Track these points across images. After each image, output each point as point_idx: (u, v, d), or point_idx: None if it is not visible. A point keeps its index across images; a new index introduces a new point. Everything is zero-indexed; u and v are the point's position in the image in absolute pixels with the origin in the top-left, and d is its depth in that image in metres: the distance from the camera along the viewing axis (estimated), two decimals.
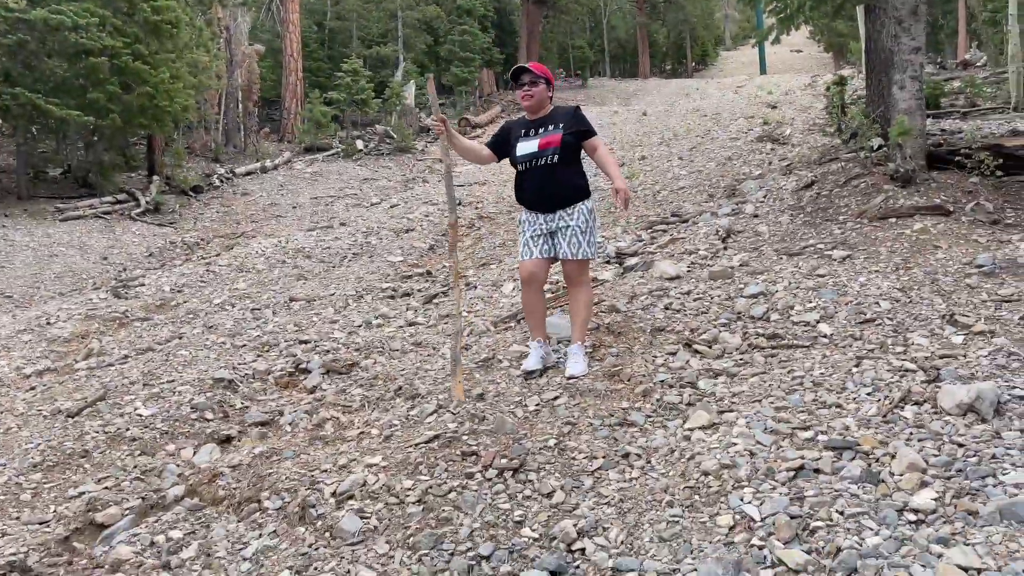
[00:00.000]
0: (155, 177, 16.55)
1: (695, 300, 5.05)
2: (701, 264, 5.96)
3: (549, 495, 2.97)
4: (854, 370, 3.59)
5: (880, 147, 7.51)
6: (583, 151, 4.25)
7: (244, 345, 5.85)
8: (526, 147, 4.15)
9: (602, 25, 45.69)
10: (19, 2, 11.38)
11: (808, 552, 2.33)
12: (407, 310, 6.41)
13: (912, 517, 2.40)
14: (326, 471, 3.38)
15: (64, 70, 14.05)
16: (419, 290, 7.22)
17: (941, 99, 11.52)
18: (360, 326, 6.02)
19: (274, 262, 9.91)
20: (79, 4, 13.79)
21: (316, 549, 2.86)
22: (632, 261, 6.48)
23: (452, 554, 2.68)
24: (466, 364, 4.61)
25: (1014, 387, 3.19)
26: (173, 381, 5.06)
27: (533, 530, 2.77)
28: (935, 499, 2.47)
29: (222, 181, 18.16)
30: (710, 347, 4.24)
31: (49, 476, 3.97)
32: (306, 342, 5.69)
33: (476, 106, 30.75)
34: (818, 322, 4.29)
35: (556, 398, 3.81)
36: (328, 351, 5.46)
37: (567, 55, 42.80)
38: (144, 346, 6.24)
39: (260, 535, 3.00)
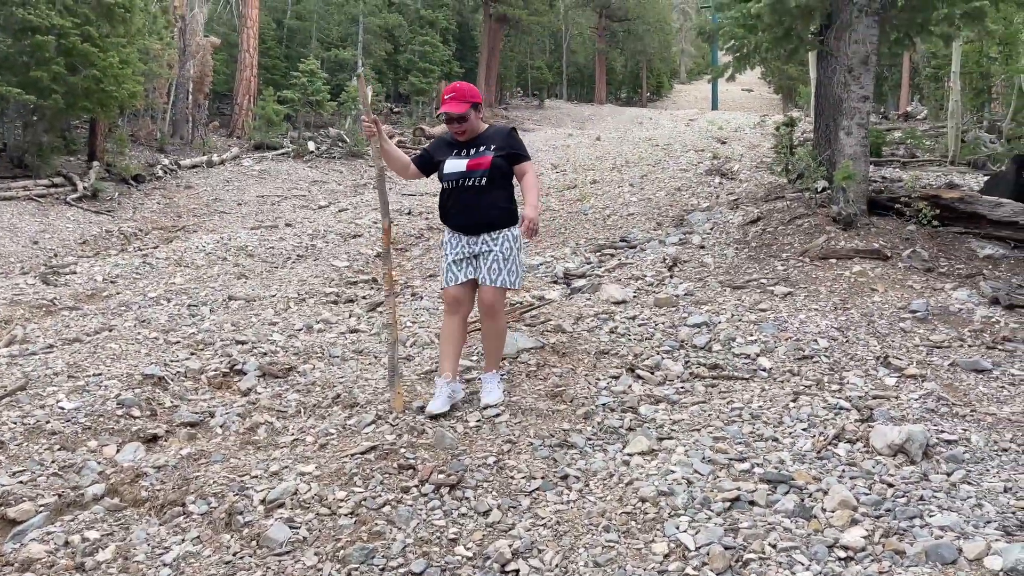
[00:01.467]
0: (95, 163, 16.01)
1: (640, 326, 5.09)
2: (647, 290, 6.02)
3: (486, 514, 2.93)
4: (791, 405, 3.66)
5: (824, 189, 7.73)
6: (514, 175, 4.03)
7: (178, 342, 5.67)
8: (454, 166, 3.93)
9: (562, 48, 46.23)
10: None
11: None
12: (350, 316, 6.31)
13: (842, 554, 2.45)
14: (256, 477, 3.28)
15: (7, 46, 13.54)
16: (363, 297, 7.12)
17: (883, 148, 11.95)
18: (300, 330, 5.90)
19: (215, 259, 9.67)
20: None
21: (241, 558, 2.76)
22: (580, 283, 6.52)
23: (383, 569, 2.61)
24: (408, 375, 4.54)
25: (942, 431, 3.29)
26: (100, 375, 4.86)
27: (467, 548, 2.73)
28: (864, 537, 2.52)
29: (166, 172, 17.67)
30: (652, 373, 4.27)
31: None
32: (243, 343, 5.54)
33: (432, 117, 30.70)
34: (758, 355, 4.37)
35: (498, 416, 3.78)
36: (265, 353, 5.33)
37: (525, 74, 43.16)
38: (71, 336, 6.00)
39: (183, 540, 2.89)
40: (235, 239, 10.86)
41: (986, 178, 9.16)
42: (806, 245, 6.62)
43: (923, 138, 12.88)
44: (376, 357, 5.15)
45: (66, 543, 3.01)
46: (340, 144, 22.70)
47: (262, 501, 3.06)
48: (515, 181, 4.06)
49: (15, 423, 4.16)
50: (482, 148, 3.95)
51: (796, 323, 4.81)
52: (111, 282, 8.40)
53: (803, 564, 2.39)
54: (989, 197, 6.82)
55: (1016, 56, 12.23)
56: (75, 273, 8.72)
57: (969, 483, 2.87)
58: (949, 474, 2.93)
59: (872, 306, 5.11)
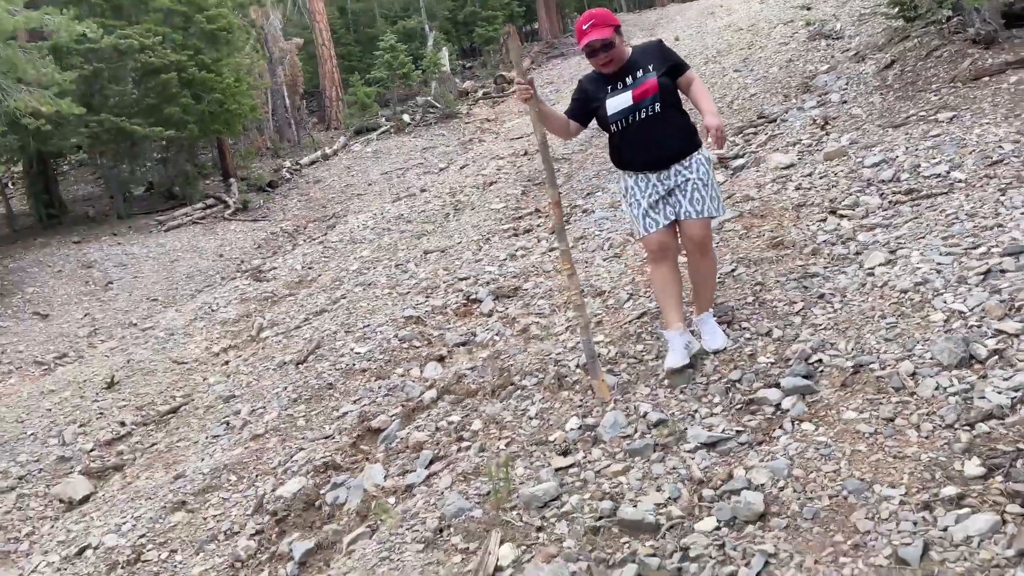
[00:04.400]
0: (231, 180, 17.41)
1: (820, 178, 5.51)
2: (810, 151, 6.39)
3: (768, 333, 3.53)
4: (1001, 198, 4.05)
5: (950, 18, 7.76)
6: (679, 88, 3.57)
7: (407, 292, 6.52)
8: (618, 103, 3.46)
9: None
10: (96, 31, 12.10)
11: (1020, 321, 2.85)
12: (539, 241, 6.99)
13: None
14: (560, 352, 4.00)
15: (136, 91, 14.87)
16: (538, 225, 7.79)
17: None
18: (505, 259, 6.63)
19: (380, 231, 10.57)
20: (140, 26, 14.53)
21: (584, 404, 3.48)
22: (738, 162, 6.94)
23: (708, 382, 3.27)
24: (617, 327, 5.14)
25: None
26: (368, 326, 5.75)
27: (767, 357, 3.34)
28: None
29: (291, 174, 18.95)
30: (854, 210, 4.72)
31: (310, 406, 4.68)
32: (465, 279, 6.32)
33: (505, 63, 30.94)
34: (949, 172, 4.73)
35: (734, 269, 4.35)
36: (488, 282, 6.08)
37: None
38: (316, 310, 6.96)
39: (533, 402, 3.64)
40: (387, 212, 11.76)
41: None
42: (953, 72, 6.77)
43: None
44: (586, 263, 5.79)
45: (437, 429, 3.83)
46: (431, 109, 23.42)
47: (578, 366, 3.76)
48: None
49: (330, 370, 5.07)
50: (639, 73, 3.45)
51: (973, 138, 5.11)
52: (309, 268, 9.43)
53: None
54: None
55: None
56: (275, 268, 9.82)
57: None
58: None
59: None
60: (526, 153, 12.99)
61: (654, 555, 2.34)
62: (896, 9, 9.45)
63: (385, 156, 19.44)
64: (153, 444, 5.08)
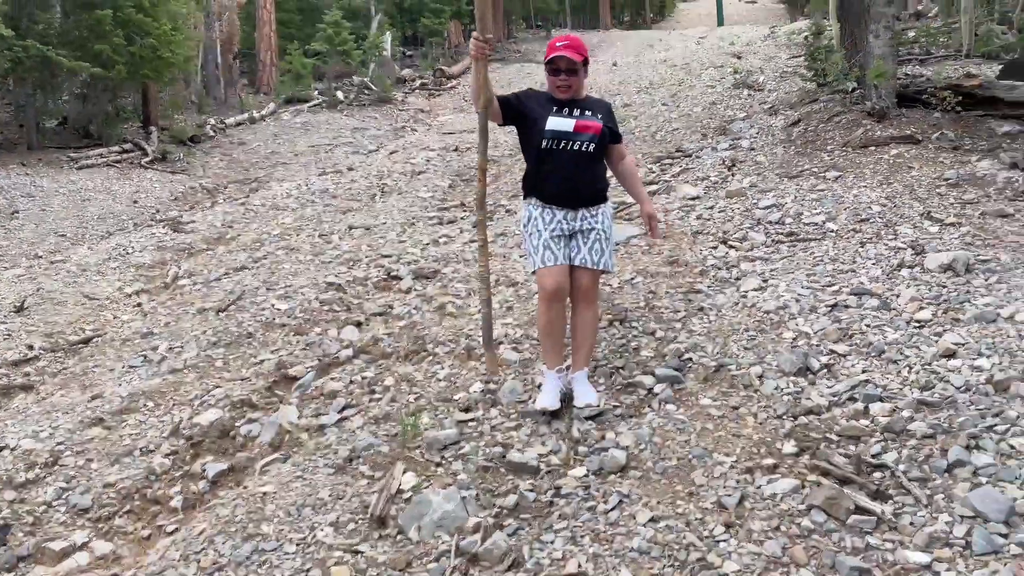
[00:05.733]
0: (152, 128, 17.06)
1: (719, 212, 6.18)
2: (715, 187, 7.09)
3: (652, 333, 4.09)
4: (859, 250, 4.77)
5: (854, 89, 8.69)
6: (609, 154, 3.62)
7: (330, 262, 6.83)
8: (559, 123, 3.40)
9: None
10: None
11: (849, 346, 3.50)
12: (462, 232, 7.44)
13: (917, 324, 3.59)
14: (473, 329, 4.46)
15: (66, 23, 14.46)
16: (461, 217, 8.24)
17: (899, 47, 12.75)
18: (428, 244, 7.04)
19: (304, 201, 10.76)
20: None
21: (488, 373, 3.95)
22: (653, 188, 7.59)
23: (596, 366, 3.80)
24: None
25: (979, 255, 4.39)
26: (290, 286, 6.05)
27: (648, 353, 3.89)
28: (931, 314, 3.66)
29: (215, 132, 18.66)
30: (742, 243, 5.38)
31: (229, 351, 4.97)
32: (388, 256, 6.69)
33: (447, 57, 31.24)
34: (825, 222, 5.46)
35: (633, 278, 4.92)
36: (410, 262, 6.47)
37: (529, 6, 43.21)
38: (237, 266, 7.18)
39: (443, 367, 4.08)
40: (312, 184, 11.94)
41: (1000, 67, 10.06)
42: (846, 138, 7.63)
43: (937, 35, 13.63)
44: (504, 257, 6.27)
45: (351, 381, 4.22)
46: (366, 91, 23.49)
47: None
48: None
49: (251, 320, 5.36)
50: (588, 113, 3.46)
51: (851, 197, 5.88)
52: (228, 227, 9.55)
53: (890, 331, 3.54)
54: (1005, 82, 7.77)
55: None
56: (193, 222, 9.88)
57: (1001, 282, 3.98)
58: (987, 278, 4.05)
59: (911, 179, 6.16)
60: (456, 149, 13.38)
61: (532, 490, 2.83)
62: (811, 73, 10.41)
63: (315, 129, 19.44)
64: (64, 368, 5.23)
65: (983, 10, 15.89)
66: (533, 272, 3.54)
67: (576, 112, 3.45)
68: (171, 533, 3.23)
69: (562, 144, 3.40)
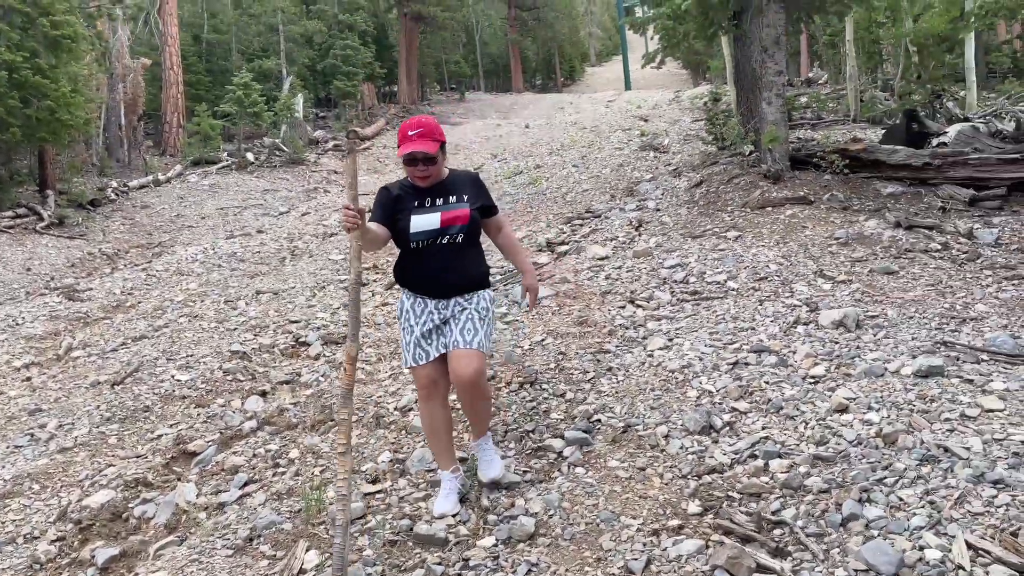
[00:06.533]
0: (48, 192, 16.39)
1: (627, 272, 6.33)
2: (623, 247, 7.27)
3: (563, 395, 4.11)
4: (758, 308, 4.95)
5: (752, 152, 9.15)
6: (485, 230, 3.45)
7: (235, 328, 6.64)
8: (424, 222, 3.19)
9: (475, 41, 47.32)
10: None
11: (750, 403, 3.60)
12: (373, 295, 7.37)
13: (812, 380, 3.73)
14: (382, 396, 4.38)
15: None
16: (374, 280, 8.17)
17: (793, 112, 13.55)
18: (338, 308, 6.93)
19: (210, 266, 10.49)
20: None
21: (399, 441, 3.87)
22: (563, 248, 7.73)
23: (505, 431, 3.77)
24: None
25: (868, 311, 4.62)
26: (192, 355, 5.83)
27: (559, 415, 3.90)
28: (825, 370, 3.81)
29: (117, 195, 18.09)
30: (648, 302, 5.51)
31: (124, 426, 4.73)
32: (296, 322, 6.56)
33: (360, 119, 31.40)
34: (726, 281, 5.66)
35: (543, 339, 4.96)
36: (319, 328, 6.36)
37: (443, 69, 44.08)
38: (136, 335, 6.89)
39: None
40: (219, 248, 11.66)
41: (883, 131, 10.79)
42: (745, 199, 7.99)
43: (827, 100, 14.56)
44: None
45: (254, 455, 4.06)
46: (278, 152, 23.29)
47: (396, 408, 4.16)
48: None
49: (149, 393, 5.13)
50: (452, 198, 3.27)
51: (750, 256, 6.13)
52: (128, 294, 9.19)
53: (788, 387, 3.67)
54: (887, 146, 8.32)
55: (900, 21, 13.96)
56: (91, 289, 9.46)
57: (889, 337, 4.19)
58: (875, 334, 4.26)
59: (805, 238, 6.48)
60: (370, 210, 13.33)
61: (440, 564, 2.76)
62: (711, 137, 10.91)
63: (223, 192, 19.08)
64: None
65: (868, 78, 17.13)
66: (408, 369, 3.37)
67: (439, 202, 3.25)
68: None
69: (430, 241, 3.23)
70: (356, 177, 2.95)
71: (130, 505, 3.79)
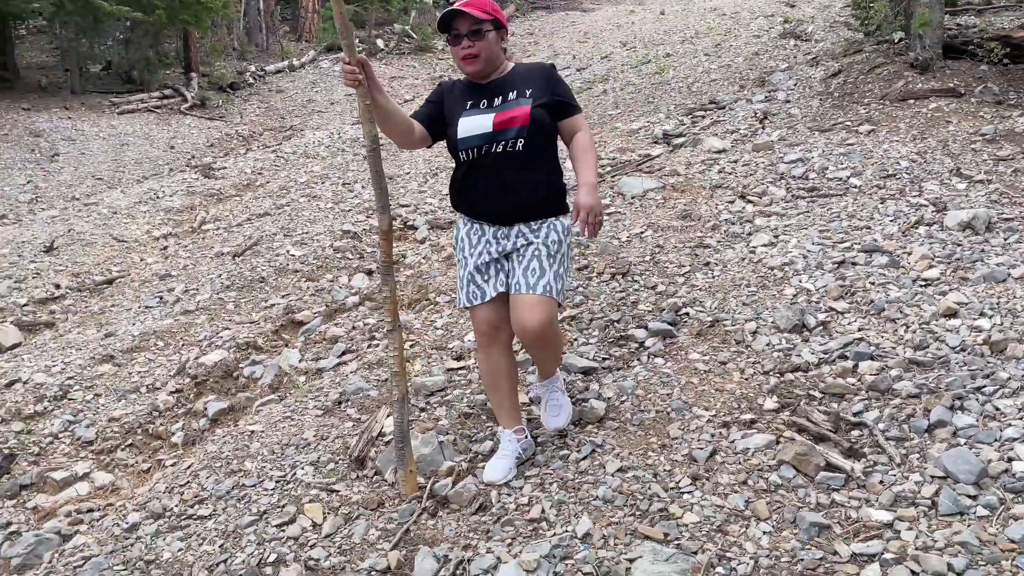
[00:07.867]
0: (192, 74, 17.20)
1: (743, 166, 6.02)
2: (743, 140, 6.90)
3: (653, 287, 4.04)
4: (879, 206, 4.61)
5: (901, 40, 8.31)
6: (559, 134, 2.73)
7: (350, 210, 6.87)
8: (473, 125, 2.62)
9: None
10: None
11: (849, 303, 3.40)
12: None
13: (923, 283, 3.47)
14: None
15: None
16: None
17: None
18: (447, 195, 7.00)
19: (335, 150, 10.80)
20: None
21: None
22: (679, 140, 7.42)
23: (591, 318, 3.77)
24: None
25: (1002, 213, 4.21)
26: (307, 232, 6.10)
27: (646, 307, 3.84)
28: (939, 273, 3.54)
29: (255, 79, 18.76)
30: (760, 198, 5.24)
31: (241, 294, 5.06)
32: (406, 206, 6.69)
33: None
34: (849, 177, 5.29)
35: (642, 232, 4.84)
36: (427, 212, 6.47)
37: None
38: (260, 212, 7.26)
39: (441, 316, 4.09)
40: (344, 133, 11.96)
41: None
42: (885, 90, 7.33)
43: None
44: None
45: (353, 327, 4.26)
46: (407, 40, 23.30)
47: None
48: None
49: (265, 266, 5.43)
50: (511, 95, 2.64)
51: (880, 152, 5.67)
52: (258, 174, 9.65)
53: (895, 288, 3.43)
54: None
55: None
56: (225, 168, 10.00)
57: (1021, 242, 3.82)
58: (1007, 237, 3.88)
59: (947, 134, 5.91)
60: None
61: None
62: (857, 22, 9.99)
63: None
64: (86, 307, 5.39)
65: None
66: (461, 310, 2.87)
67: (497, 101, 2.63)
68: (169, 467, 3.34)
69: (483, 150, 2.61)
70: (348, 25, 2.43)
71: (240, 365, 4.10)
